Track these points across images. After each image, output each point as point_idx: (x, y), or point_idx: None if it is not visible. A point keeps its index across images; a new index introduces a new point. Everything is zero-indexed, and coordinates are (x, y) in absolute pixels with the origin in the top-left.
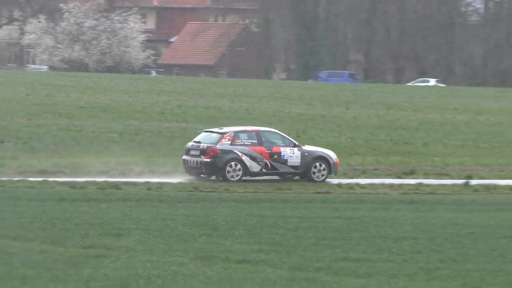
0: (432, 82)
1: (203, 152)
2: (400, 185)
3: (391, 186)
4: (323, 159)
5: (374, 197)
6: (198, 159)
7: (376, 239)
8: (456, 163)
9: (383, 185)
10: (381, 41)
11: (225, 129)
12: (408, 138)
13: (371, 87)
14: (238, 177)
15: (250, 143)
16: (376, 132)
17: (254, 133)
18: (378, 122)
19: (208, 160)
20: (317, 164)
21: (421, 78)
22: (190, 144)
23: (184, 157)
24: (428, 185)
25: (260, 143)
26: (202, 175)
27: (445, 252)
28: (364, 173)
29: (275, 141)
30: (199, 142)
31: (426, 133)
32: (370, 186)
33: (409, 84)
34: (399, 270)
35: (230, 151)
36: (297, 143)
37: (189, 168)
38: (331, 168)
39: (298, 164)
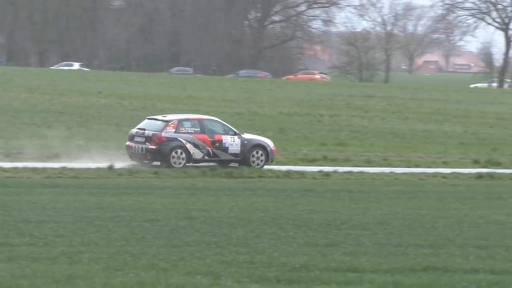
0: (76, 66)
1: (149, 139)
2: (44, 169)
3: (34, 170)
4: (261, 147)
5: (17, 181)
6: (143, 145)
7: (18, 223)
8: (100, 146)
9: (25, 168)
10: (24, 24)
11: (169, 117)
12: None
13: (14, 70)
14: (182, 164)
15: (193, 131)
16: (19, 115)
17: (197, 121)
18: (20, 106)
19: (154, 147)
20: (255, 152)
21: (65, 62)
22: (134, 130)
23: (127, 143)
24: (72, 169)
25: (202, 131)
26: (146, 161)
27: (88, 235)
28: (8, 157)
29: (216, 129)
30: (144, 129)
31: (70, 117)
32: (13, 170)
33: (53, 68)
34: (40, 253)
35: (175, 139)
36: (237, 131)
37: (133, 154)
38: (268, 156)
39: (238, 151)
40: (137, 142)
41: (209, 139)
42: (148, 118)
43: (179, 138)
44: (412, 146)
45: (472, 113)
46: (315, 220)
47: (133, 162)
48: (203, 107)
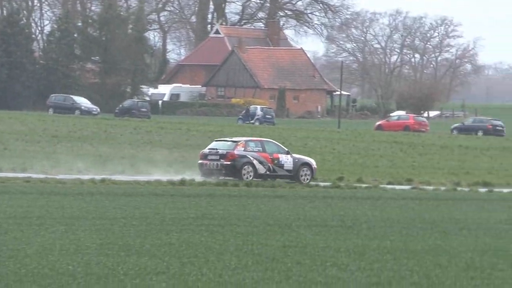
0: None
1: (223, 156)
2: None
3: None
4: (308, 165)
5: None
6: (218, 162)
7: None
8: None
9: None
10: None
11: (235, 138)
12: None
13: None
14: (250, 178)
15: (257, 150)
16: None
17: (259, 142)
18: None
19: (228, 163)
20: (304, 168)
21: None
22: (206, 150)
23: (200, 161)
24: None
25: (264, 150)
26: (221, 176)
27: None
28: None
29: (273, 149)
30: (216, 149)
31: None
32: None
33: None
34: None
35: (245, 156)
36: (288, 150)
37: (206, 171)
38: (313, 172)
39: (291, 168)
40: (211, 159)
41: (269, 157)
42: (216, 140)
43: (248, 155)
44: None
45: None
46: None
47: (204, 178)
48: None
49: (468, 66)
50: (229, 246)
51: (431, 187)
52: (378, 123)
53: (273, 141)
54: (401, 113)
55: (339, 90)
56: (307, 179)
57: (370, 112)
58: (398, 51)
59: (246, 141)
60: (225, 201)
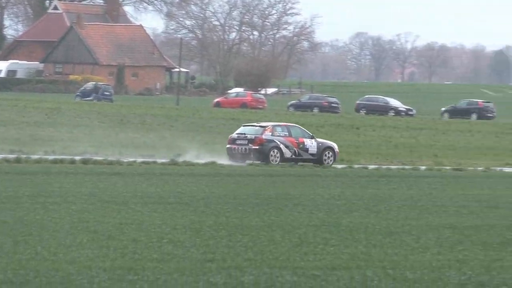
0: None
1: (251, 141)
2: None
3: None
4: (331, 148)
5: None
6: (247, 146)
7: None
8: None
9: None
10: None
11: (263, 123)
12: None
13: None
14: (277, 161)
15: (284, 135)
16: None
17: (285, 127)
18: None
19: (257, 147)
20: (327, 152)
21: None
22: (235, 135)
23: (229, 145)
24: None
25: (290, 135)
26: (249, 160)
27: None
28: None
29: (299, 133)
30: (244, 134)
31: None
32: None
33: None
34: None
35: (272, 141)
36: (313, 135)
37: (235, 155)
38: (335, 156)
39: (315, 152)
40: (240, 144)
41: (295, 141)
42: (244, 125)
43: (275, 140)
44: None
45: None
46: None
47: (235, 162)
48: None
49: (305, 44)
50: (64, 224)
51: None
52: (216, 100)
53: (299, 126)
54: (239, 90)
55: (178, 67)
56: (330, 161)
57: (209, 89)
58: (237, 28)
59: (273, 126)
60: (61, 178)
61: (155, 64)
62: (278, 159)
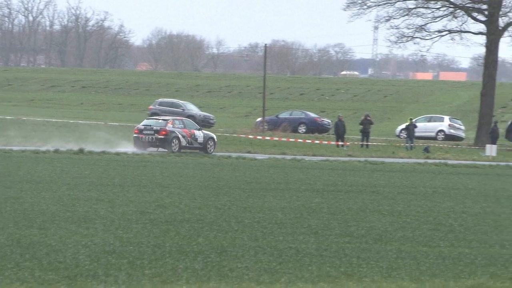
0: None
1: (157, 131)
2: None
3: None
4: (212, 139)
5: None
6: (153, 136)
7: None
8: None
9: None
10: None
11: (165, 117)
12: None
13: None
14: (176, 149)
15: (181, 127)
16: None
17: (181, 120)
18: None
19: (162, 137)
20: (210, 142)
21: None
22: (141, 126)
23: (135, 135)
24: None
25: (185, 127)
26: (153, 148)
27: None
28: None
29: (192, 126)
30: (150, 125)
31: None
32: None
33: None
34: None
35: (173, 131)
36: (200, 127)
37: (141, 143)
38: (215, 145)
39: (202, 141)
40: (147, 134)
41: (189, 132)
42: (148, 119)
43: (175, 131)
44: None
45: None
46: None
47: (139, 150)
48: None
49: None
50: None
51: None
52: None
53: (190, 120)
54: None
55: None
56: (212, 150)
57: None
58: None
59: (173, 119)
60: None
61: None
62: (177, 147)
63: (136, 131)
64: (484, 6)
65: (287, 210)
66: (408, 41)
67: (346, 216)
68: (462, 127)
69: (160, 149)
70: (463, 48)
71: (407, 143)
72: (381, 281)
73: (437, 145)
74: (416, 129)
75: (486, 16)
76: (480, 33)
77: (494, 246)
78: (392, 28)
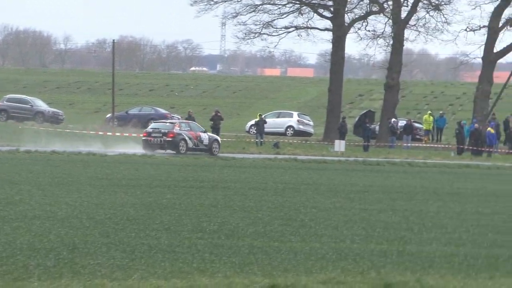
0: None
1: (165, 134)
2: None
3: None
4: (217, 141)
5: None
6: (161, 138)
7: None
8: None
9: None
10: None
11: (171, 120)
12: None
13: None
14: (184, 150)
15: (187, 129)
16: None
17: (187, 123)
18: None
19: (170, 139)
20: (214, 144)
21: None
22: (150, 129)
23: (145, 138)
24: None
25: (191, 129)
26: (161, 150)
27: None
28: None
29: (196, 129)
30: (158, 128)
31: None
32: None
33: None
34: None
35: (181, 134)
36: (205, 130)
37: (150, 145)
38: (219, 147)
39: (207, 143)
40: (155, 136)
41: (195, 135)
42: (155, 122)
43: (182, 134)
44: None
45: None
46: None
47: (148, 152)
48: None
49: None
50: None
51: None
52: None
53: (195, 123)
54: None
55: None
56: (217, 151)
57: None
58: None
59: (180, 122)
60: None
61: None
62: (185, 148)
63: (145, 134)
64: (330, 3)
65: (139, 206)
66: (255, 37)
67: (198, 212)
68: (311, 123)
69: (168, 151)
70: (310, 45)
71: (257, 139)
72: (234, 276)
73: (286, 140)
74: (265, 125)
75: (332, 12)
76: (327, 29)
77: (344, 241)
78: (240, 25)
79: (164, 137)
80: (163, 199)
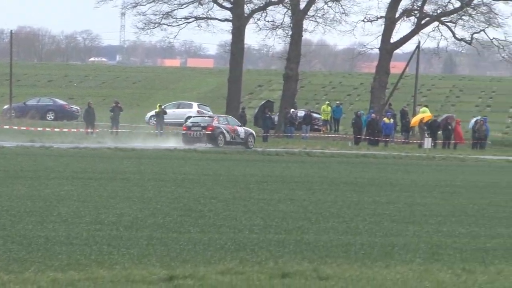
0: None
1: (204, 127)
2: None
3: None
4: (252, 135)
5: None
6: (201, 132)
7: None
8: None
9: None
10: None
11: (210, 114)
12: None
13: None
14: (222, 144)
15: (225, 123)
16: None
17: (225, 117)
18: None
19: (210, 132)
20: (250, 137)
21: None
22: (189, 123)
23: (184, 132)
24: None
25: (228, 123)
26: (201, 143)
27: None
28: None
29: (233, 122)
30: (198, 122)
31: None
32: None
33: None
34: None
35: (219, 127)
36: (241, 124)
37: (190, 139)
38: (254, 140)
39: (244, 137)
40: (195, 130)
41: (232, 128)
42: (194, 116)
43: (221, 127)
44: None
45: None
46: None
47: (188, 145)
48: None
49: None
50: None
51: None
52: None
53: (232, 117)
54: None
55: None
56: (252, 145)
57: None
58: None
59: (218, 116)
60: None
61: None
62: (223, 142)
63: (184, 128)
64: None
65: (36, 198)
66: (155, 27)
67: (96, 203)
68: (211, 113)
69: (208, 145)
70: (210, 35)
71: (157, 130)
72: (132, 268)
73: None
74: (165, 116)
75: (231, 3)
76: (226, 20)
77: (243, 231)
78: (139, 15)
79: (203, 130)
80: (61, 191)
